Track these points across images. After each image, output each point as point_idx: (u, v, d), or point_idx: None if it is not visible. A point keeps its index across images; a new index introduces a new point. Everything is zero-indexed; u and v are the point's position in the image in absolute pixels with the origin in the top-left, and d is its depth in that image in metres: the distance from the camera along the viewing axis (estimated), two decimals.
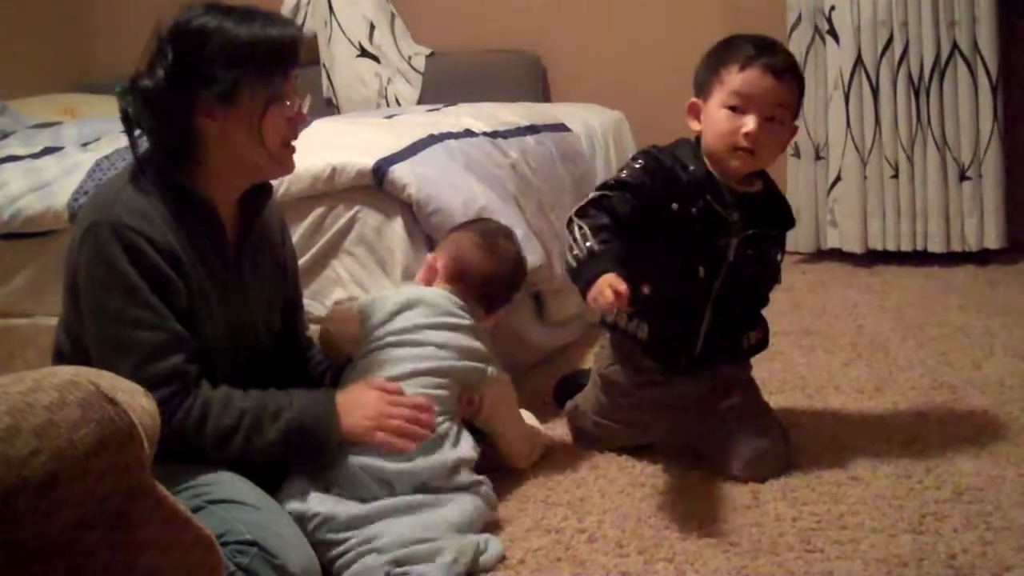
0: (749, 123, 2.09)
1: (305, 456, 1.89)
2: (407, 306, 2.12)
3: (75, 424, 1.02)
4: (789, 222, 2.30)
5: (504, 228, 2.39)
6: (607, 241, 1.95)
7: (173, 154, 1.88)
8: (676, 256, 2.14)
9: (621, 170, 2.12)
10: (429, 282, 2.23)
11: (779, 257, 2.27)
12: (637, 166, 2.11)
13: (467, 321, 2.15)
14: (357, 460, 1.91)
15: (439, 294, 2.17)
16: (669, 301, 2.16)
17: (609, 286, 1.82)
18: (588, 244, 1.95)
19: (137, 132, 1.88)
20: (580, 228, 1.98)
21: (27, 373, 1.07)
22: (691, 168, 2.14)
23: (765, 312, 2.35)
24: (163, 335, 1.78)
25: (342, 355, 2.16)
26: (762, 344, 2.34)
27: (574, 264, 1.96)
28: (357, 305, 2.18)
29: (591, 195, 2.07)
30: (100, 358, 1.78)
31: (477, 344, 2.13)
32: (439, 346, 2.08)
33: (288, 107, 1.91)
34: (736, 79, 2.10)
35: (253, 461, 1.83)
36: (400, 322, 2.10)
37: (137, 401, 1.08)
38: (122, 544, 1.10)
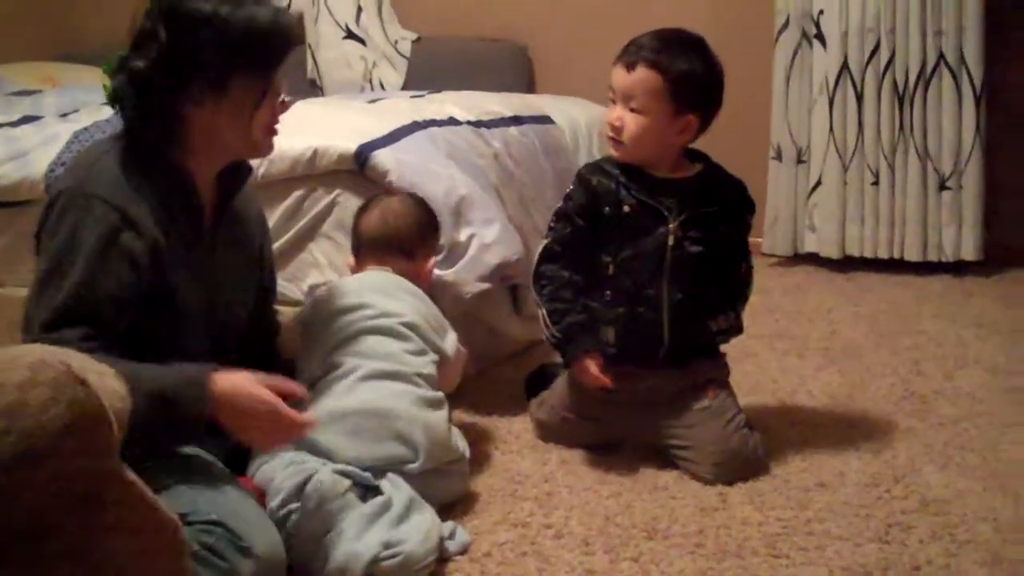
0: (610, 113, 2.26)
1: (167, 428, 1.71)
2: (361, 290, 2.16)
3: (44, 404, 1.01)
4: (739, 199, 2.31)
5: (395, 191, 2.47)
6: (567, 312, 2.23)
7: (154, 133, 1.85)
8: (623, 254, 2.24)
9: (563, 199, 2.33)
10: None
11: (740, 233, 2.32)
12: (570, 190, 2.31)
13: (415, 289, 2.21)
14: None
15: (374, 275, 2.23)
16: (628, 298, 2.24)
17: (588, 373, 2.20)
18: (551, 331, 2.25)
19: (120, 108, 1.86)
20: (540, 306, 2.28)
21: None
22: (614, 172, 2.27)
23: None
24: (85, 310, 1.72)
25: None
26: (733, 331, 2.35)
27: (551, 342, 2.28)
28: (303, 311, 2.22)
29: (542, 244, 2.33)
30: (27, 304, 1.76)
31: (435, 309, 2.20)
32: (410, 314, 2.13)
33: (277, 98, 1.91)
34: (611, 75, 2.27)
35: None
36: (363, 300, 2.12)
37: (107, 383, 1.07)
38: (88, 526, 1.09)
